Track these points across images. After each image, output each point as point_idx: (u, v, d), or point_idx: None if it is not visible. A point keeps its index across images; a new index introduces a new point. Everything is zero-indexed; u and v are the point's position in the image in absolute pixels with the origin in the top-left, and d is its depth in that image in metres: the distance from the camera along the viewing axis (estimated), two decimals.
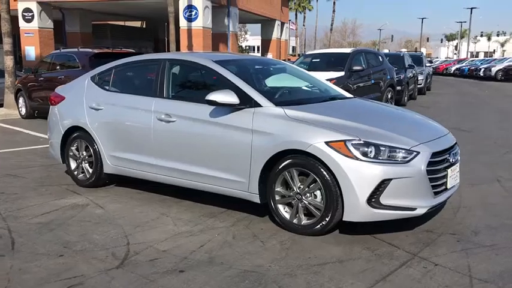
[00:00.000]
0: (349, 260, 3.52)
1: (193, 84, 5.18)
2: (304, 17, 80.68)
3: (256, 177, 4.20)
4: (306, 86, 5.43)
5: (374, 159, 3.71)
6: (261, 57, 5.64)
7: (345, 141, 3.77)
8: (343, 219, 3.83)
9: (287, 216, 4.10)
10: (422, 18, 78.87)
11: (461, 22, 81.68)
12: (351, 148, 3.74)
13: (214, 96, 4.28)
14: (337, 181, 3.76)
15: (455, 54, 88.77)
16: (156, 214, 4.64)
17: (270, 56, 36.10)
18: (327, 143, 3.80)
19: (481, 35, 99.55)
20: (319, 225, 3.91)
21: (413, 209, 3.79)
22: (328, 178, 3.80)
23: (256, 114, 4.22)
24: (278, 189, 4.12)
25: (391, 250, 3.70)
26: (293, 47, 71.90)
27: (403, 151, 3.78)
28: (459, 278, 3.20)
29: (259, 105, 4.25)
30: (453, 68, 41.95)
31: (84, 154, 5.59)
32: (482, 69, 33.11)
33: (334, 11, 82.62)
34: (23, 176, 6.23)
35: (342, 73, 10.84)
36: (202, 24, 25.02)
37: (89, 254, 3.70)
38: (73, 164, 5.73)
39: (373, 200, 3.71)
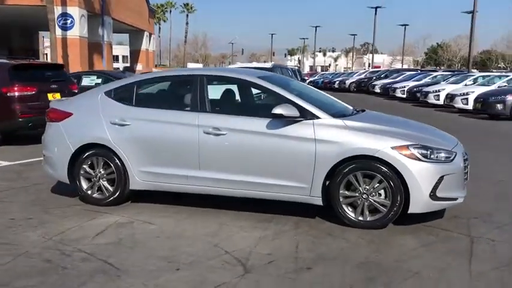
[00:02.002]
0: (429, 245, 4.25)
1: (239, 99, 5.42)
2: (160, 28, 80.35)
3: (319, 182, 4.68)
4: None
5: (431, 159, 4.51)
6: (281, 74, 5.94)
7: (408, 145, 4.50)
8: (409, 212, 4.54)
9: (352, 214, 4.66)
10: (272, 34, 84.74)
11: (304, 38, 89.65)
12: (414, 151, 4.48)
13: (279, 110, 4.66)
14: (403, 180, 4.46)
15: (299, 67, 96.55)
16: (215, 225, 4.80)
17: (140, 67, 35.52)
18: (393, 148, 4.49)
19: (319, 51, 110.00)
20: (385, 219, 4.57)
21: (456, 199, 4.68)
22: (394, 178, 4.48)
23: (317, 126, 4.70)
24: (342, 191, 4.66)
25: (448, 234, 4.53)
26: None
27: (447, 152, 4.64)
28: None
29: (317, 117, 4.75)
30: (307, 81, 45.87)
31: (102, 172, 5.40)
32: (337, 82, 37.06)
33: (187, 23, 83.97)
34: (6, 201, 5.69)
35: None
36: (79, 34, 23.85)
37: (203, 265, 3.82)
38: (85, 183, 5.48)
39: (432, 193, 4.49)
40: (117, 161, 5.31)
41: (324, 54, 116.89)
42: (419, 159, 4.48)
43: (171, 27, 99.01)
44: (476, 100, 16.66)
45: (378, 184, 4.57)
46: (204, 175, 5.03)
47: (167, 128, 5.14)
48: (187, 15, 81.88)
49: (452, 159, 4.63)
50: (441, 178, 4.51)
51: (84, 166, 5.46)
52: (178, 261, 3.88)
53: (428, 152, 4.52)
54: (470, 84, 20.32)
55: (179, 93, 5.54)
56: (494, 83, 18.99)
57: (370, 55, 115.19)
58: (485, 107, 16.06)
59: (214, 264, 3.84)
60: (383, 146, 4.51)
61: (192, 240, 4.37)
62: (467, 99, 17.90)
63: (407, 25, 64.89)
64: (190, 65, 62.54)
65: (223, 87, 5.37)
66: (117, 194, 5.38)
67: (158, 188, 5.30)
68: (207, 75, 5.25)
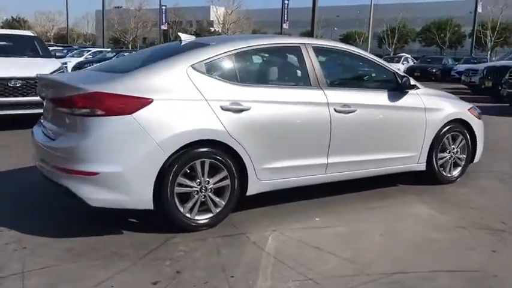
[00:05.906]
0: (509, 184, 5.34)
1: (354, 71, 4.72)
2: None
3: (426, 148, 4.94)
4: None
5: (480, 118, 5.53)
6: None
7: (472, 107, 5.38)
8: (474, 162, 5.43)
9: (444, 173, 5.17)
10: None
11: None
12: (475, 112, 5.40)
13: (413, 81, 4.62)
14: (474, 136, 5.31)
15: None
16: (359, 215, 4.27)
17: None
18: (468, 110, 5.27)
19: None
20: (463, 172, 5.31)
21: None
22: (468, 135, 5.28)
23: (422, 95, 4.89)
24: (440, 153, 5.08)
25: (496, 175, 5.66)
26: None
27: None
28: None
29: (417, 87, 4.92)
30: None
31: (210, 181, 3.72)
32: None
33: None
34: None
35: None
36: None
37: (472, 244, 3.69)
38: (180, 204, 3.62)
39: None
40: (232, 161, 3.78)
41: None
42: (479, 118, 5.45)
43: None
44: None
45: (459, 142, 5.25)
46: (334, 160, 4.30)
47: (296, 110, 4.06)
48: None
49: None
50: None
51: (181, 178, 3.59)
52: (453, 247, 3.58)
53: (479, 112, 5.55)
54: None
55: (286, 66, 4.33)
56: None
57: None
58: None
59: (479, 239, 3.76)
60: (465, 110, 5.23)
61: (400, 230, 3.91)
62: None
63: None
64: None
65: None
66: (229, 207, 3.86)
67: (281, 186, 4.13)
68: (313, 45, 4.34)
